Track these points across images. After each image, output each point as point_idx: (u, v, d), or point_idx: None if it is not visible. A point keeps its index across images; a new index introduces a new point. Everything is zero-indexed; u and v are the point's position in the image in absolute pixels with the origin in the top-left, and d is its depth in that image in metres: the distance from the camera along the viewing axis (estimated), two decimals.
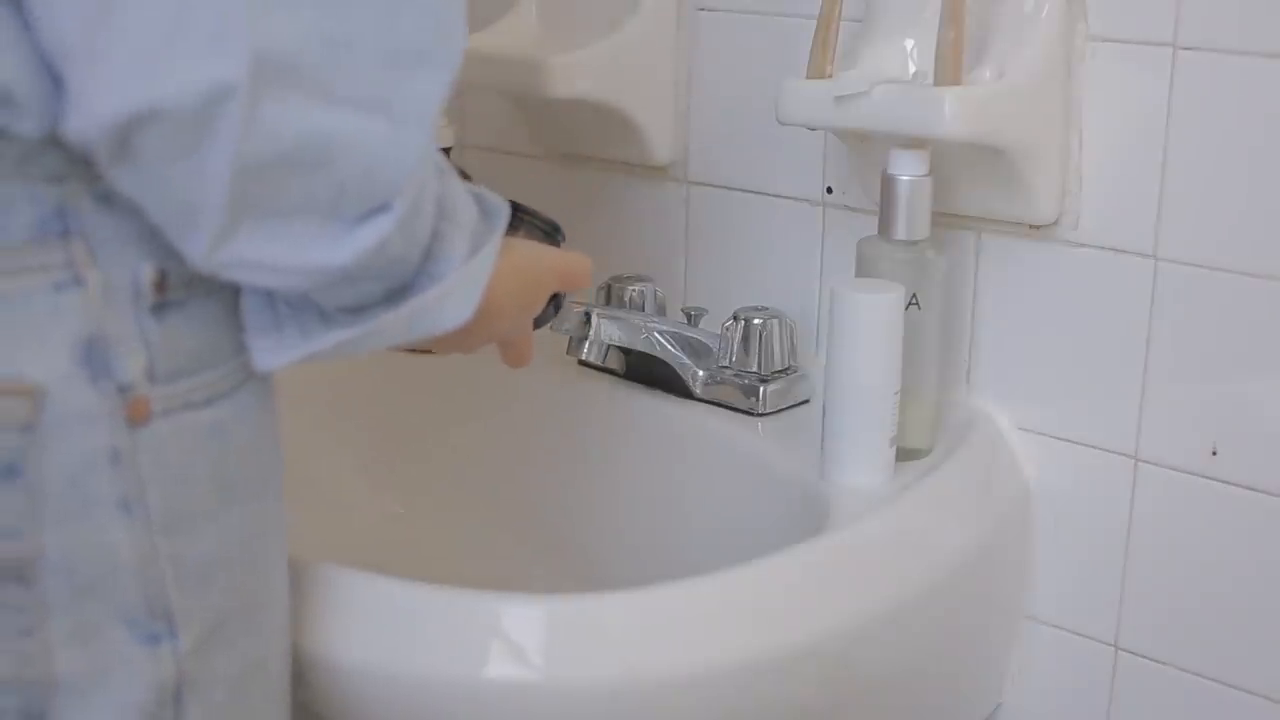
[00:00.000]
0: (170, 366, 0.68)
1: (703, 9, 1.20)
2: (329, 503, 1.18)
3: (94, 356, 0.66)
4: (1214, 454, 1.00)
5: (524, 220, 0.98)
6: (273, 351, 0.71)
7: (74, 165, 0.65)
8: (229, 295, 0.71)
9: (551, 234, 0.98)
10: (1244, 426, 0.98)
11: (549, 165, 1.32)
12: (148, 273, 0.67)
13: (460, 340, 0.80)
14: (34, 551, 0.66)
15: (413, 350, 1.20)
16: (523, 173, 1.33)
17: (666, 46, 1.21)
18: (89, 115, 0.62)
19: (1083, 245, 1.03)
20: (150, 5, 0.60)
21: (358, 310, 0.71)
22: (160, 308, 0.68)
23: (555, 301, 0.93)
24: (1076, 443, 1.06)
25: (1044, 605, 1.09)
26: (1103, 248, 1.02)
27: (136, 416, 0.67)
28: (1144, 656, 1.05)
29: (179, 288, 0.69)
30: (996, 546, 1.05)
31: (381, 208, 0.67)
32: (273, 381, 0.76)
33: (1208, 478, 1.00)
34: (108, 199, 0.66)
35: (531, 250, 0.88)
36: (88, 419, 0.66)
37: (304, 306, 0.71)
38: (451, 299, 0.72)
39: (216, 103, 0.61)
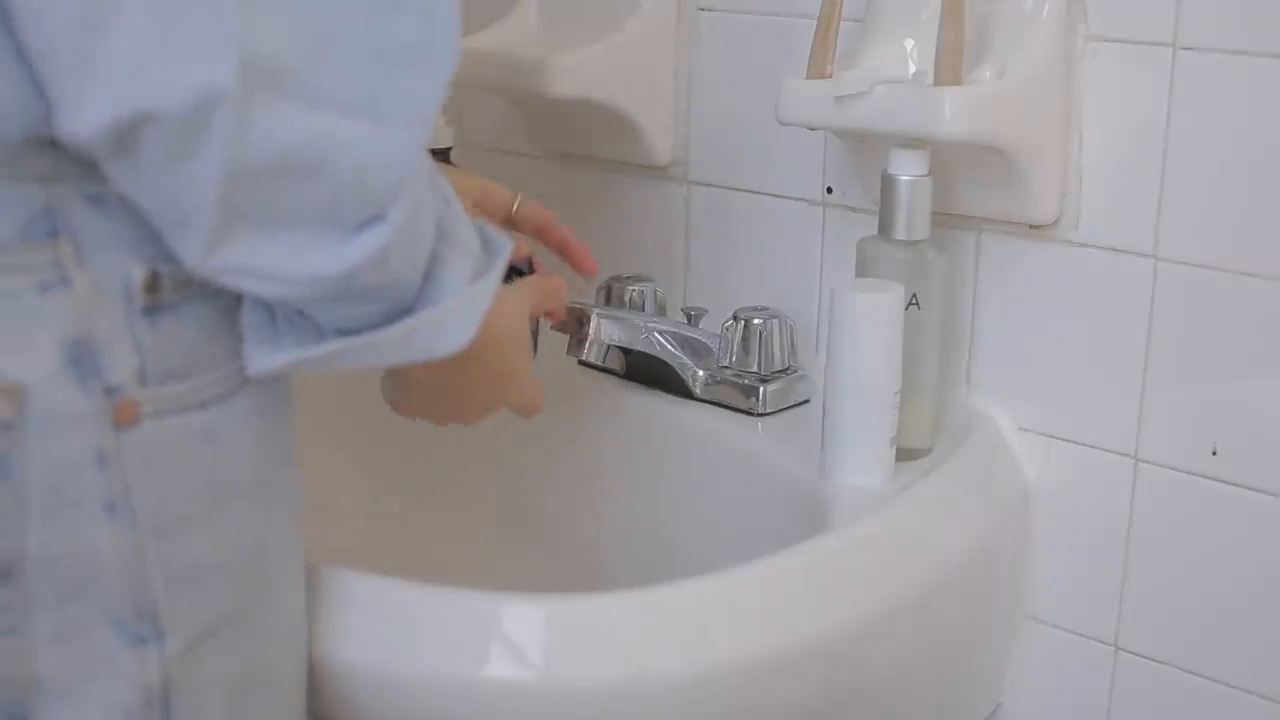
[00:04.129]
0: (162, 369, 0.68)
1: (703, 9, 1.20)
2: (328, 503, 1.17)
3: (81, 357, 0.66)
4: (1214, 454, 1.00)
5: None
6: (265, 355, 0.70)
7: (64, 166, 0.65)
8: (226, 299, 0.70)
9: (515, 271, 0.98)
10: (1244, 426, 0.98)
11: (549, 165, 1.32)
12: (139, 274, 0.67)
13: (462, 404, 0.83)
14: (17, 551, 0.65)
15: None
16: (523, 173, 1.33)
17: (666, 46, 1.21)
18: (80, 120, 0.61)
19: (1083, 245, 1.03)
20: (140, 10, 0.60)
21: (357, 333, 0.70)
22: (153, 310, 0.68)
23: (533, 332, 0.93)
24: (1076, 443, 1.06)
25: (1044, 605, 1.09)
26: (1103, 248, 1.02)
27: (124, 418, 0.67)
28: (1144, 656, 1.05)
29: (173, 290, 0.68)
30: (996, 546, 1.05)
31: (379, 216, 0.66)
32: (284, 390, 0.75)
33: (1208, 478, 1.00)
34: (100, 200, 0.66)
35: (511, 300, 0.87)
36: (73, 420, 0.66)
37: (302, 323, 0.70)
38: (452, 322, 0.72)
39: (207, 108, 0.60)
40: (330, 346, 0.70)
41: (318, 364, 0.71)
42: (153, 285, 0.68)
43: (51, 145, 0.64)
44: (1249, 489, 0.99)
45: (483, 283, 0.73)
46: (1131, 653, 1.05)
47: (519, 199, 1.03)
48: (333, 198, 0.65)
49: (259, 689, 0.75)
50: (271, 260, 0.65)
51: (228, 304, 0.70)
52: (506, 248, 0.77)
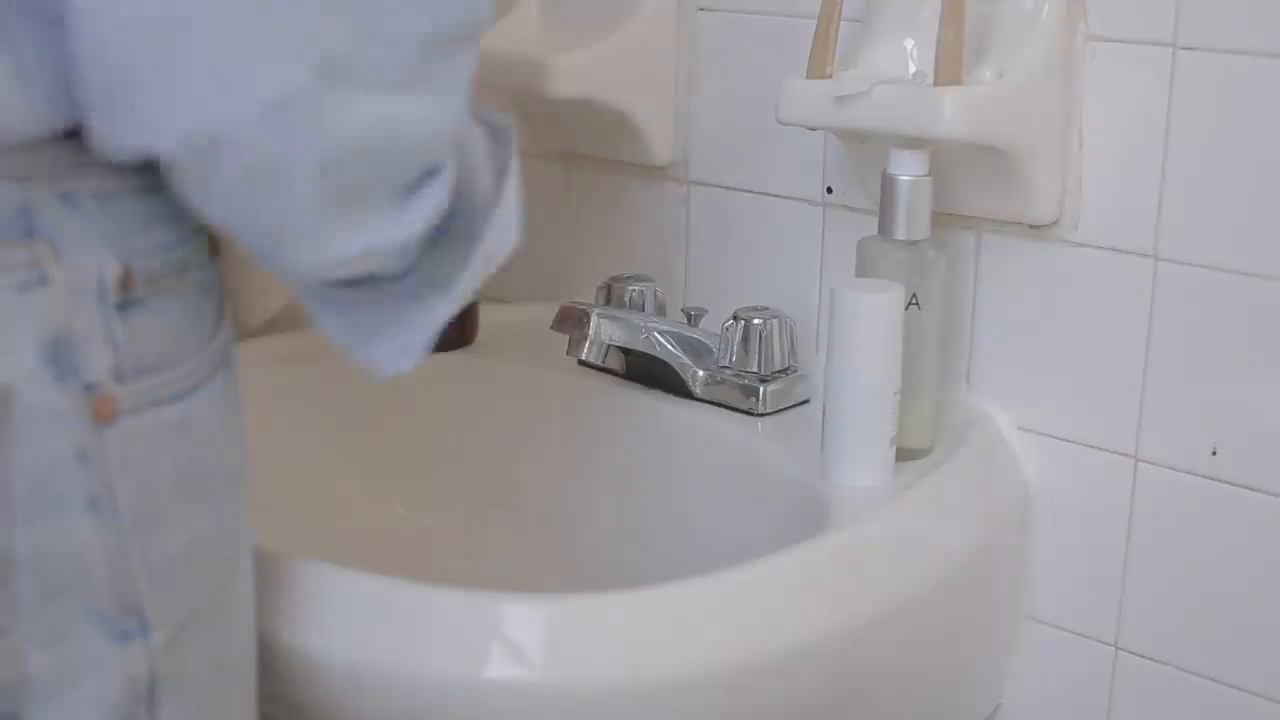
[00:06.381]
0: (137, 364, 0.68)
1: (703, 9, 1.20)
2: (328, 503, 1.17)
3: (60, 355, 0.66)
4: (1214, 454, 1.00)
5: None
6: (399, 354, 0.74)
7: (38, 165, 0.65)
8: (194, 292, 0.71)
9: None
10: (1244, 426, 0.98)
11: (549, 165, 1.32)
12: (113, 270, 0.67)
13: None
14: (5, 552, 0.65)
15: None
16: (523, 172, 1.32)
17: (666, 46, 1.21)
18: (164, 134, 0.63)
19: (1083, 245, 1.03)
20: (220, 20, 0.61)
21: (446, 280, 0.74)
22: (126, 305, 0.68)
23: None
24: (1076, 443, 1.06)
25: (1044, 605, 1.09)
26: (1103, 248, 1.02)
27: (103, 415, 0.67)
28: (1144, 656, 1.05)
29: (144, 285, 0.69)
30: (996, 546, 1.05)
31: (435, 169, 0.70)
32: (236, 376, 0.76)
33: (1208, 478, 1.00)
34: (72, 198, 0.66)
35: None
36: (54, 419, 0.66)
37: (392, 300, 0.73)
38: (503, 232, 0.75)
39: (288, 110, 0.62)
40: (439, 318, 0.74)
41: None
42: (126, 281, 0.68)
43: (25, 144, 0.64)
44: (1249, 489, 0.99)
45: (509, 182, 0.76)
46: (1131, 653, 1.05)
47: None
48: (401, 170, 0.68)
49: (228, 679, 0.75)
50: (366, 240, 0.68)
51: (196, 296, 0.71)
52: (512, 132, 0.79)
